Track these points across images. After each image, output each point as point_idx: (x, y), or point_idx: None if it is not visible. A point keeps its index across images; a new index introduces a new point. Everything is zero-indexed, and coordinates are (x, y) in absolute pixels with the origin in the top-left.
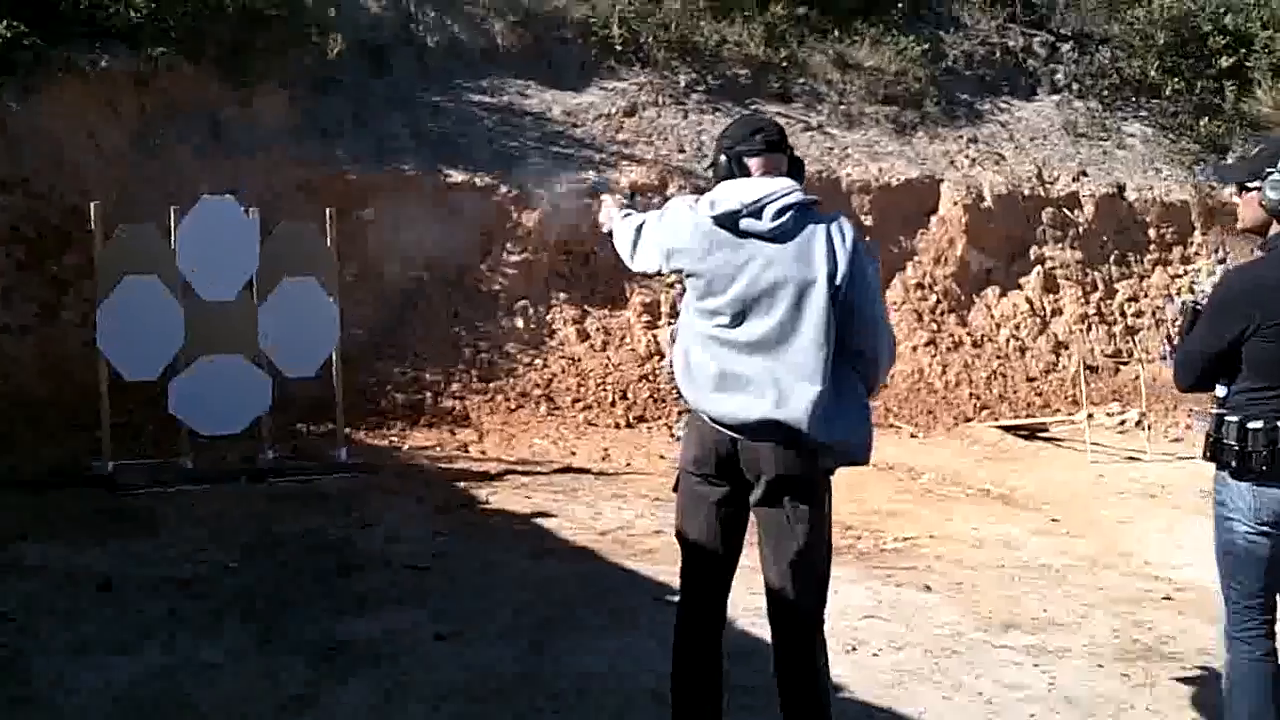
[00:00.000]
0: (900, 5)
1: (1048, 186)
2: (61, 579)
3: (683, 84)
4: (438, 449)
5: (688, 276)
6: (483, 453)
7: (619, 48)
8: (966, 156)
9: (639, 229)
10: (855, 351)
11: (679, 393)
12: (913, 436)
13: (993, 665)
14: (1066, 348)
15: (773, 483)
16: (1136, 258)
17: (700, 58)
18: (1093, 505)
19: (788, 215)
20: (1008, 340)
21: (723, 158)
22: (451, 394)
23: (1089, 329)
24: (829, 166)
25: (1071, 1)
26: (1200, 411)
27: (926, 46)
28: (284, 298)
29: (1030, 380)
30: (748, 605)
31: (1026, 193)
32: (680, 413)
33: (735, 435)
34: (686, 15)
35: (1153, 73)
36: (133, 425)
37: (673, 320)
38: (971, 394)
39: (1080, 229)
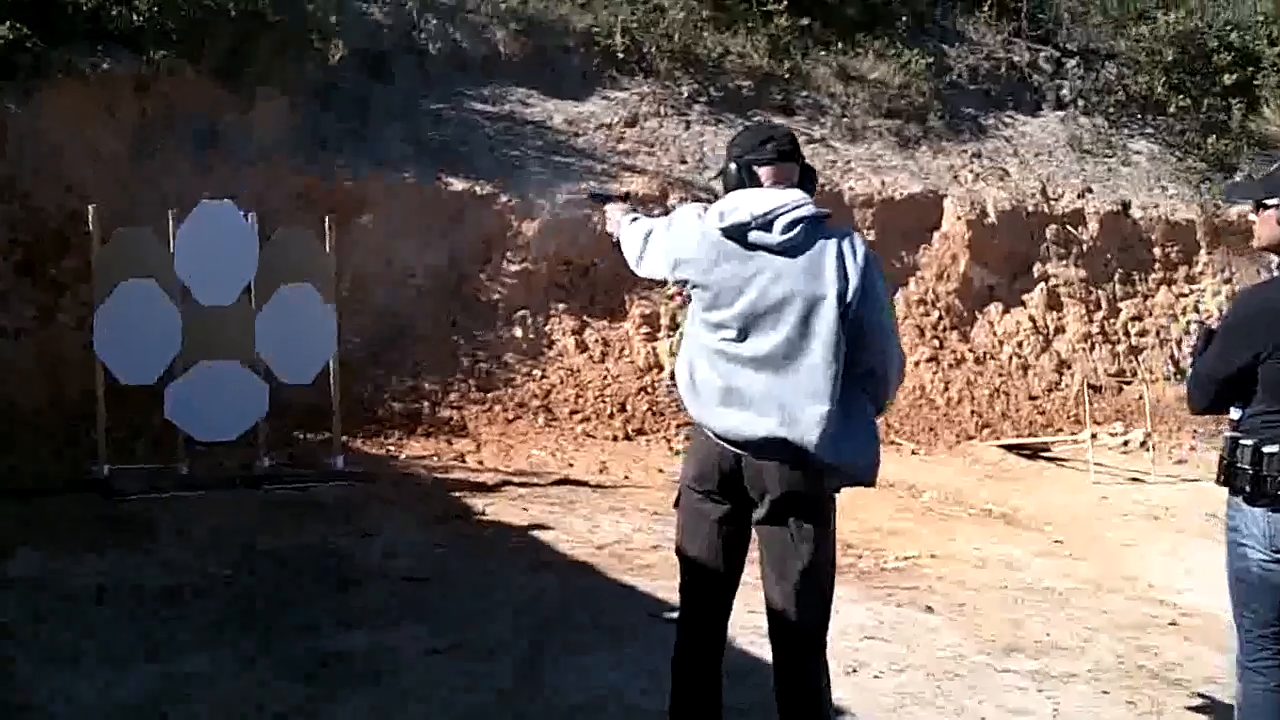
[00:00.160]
0: (904, 18)
1: (1052, 203)
2: (56, 587)
3: (685, 95)
4: (435, 458)
5: (693, 288)
6: (480, 463)
7: (621, 57)
8: (970, 171)
9: (647, 235)
10: (864, 370)
11: (679, 406)
12: (914, 453)
13: (995, 690)
14: (1069, 366)
15: (777, 501)
16: (1141, 276)
17: (703, 69)
18: (1096, 527)
19: (798, 228)
20: (1010, 358)
21: (732, 166)
22: (449, 403)
23: (1092, 348)
24: (831, 180)
25: (1078, 17)
26: (1204, 434)
27: (931, 60)
28: (282, 304)
29: (1033, 399)
30: (745, 623)
31: (1030, 209)
32: (679, 426)
33: (739, 452)
34: (690, 26)
35: (1159, 89)
36: (129, 431)
37: (672, 333)
38: (973, 411)
39: (1084, 246)
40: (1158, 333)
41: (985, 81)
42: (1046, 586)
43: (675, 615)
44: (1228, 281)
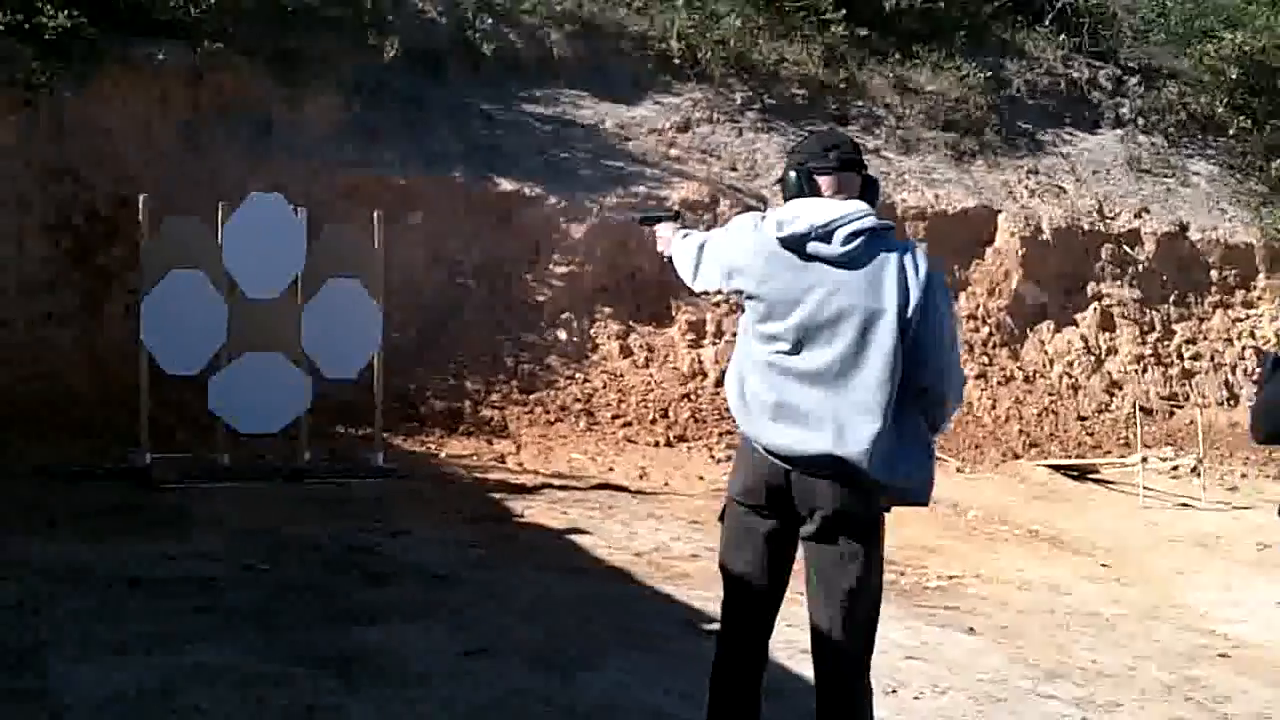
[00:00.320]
0: (963, 31)
1: (1108, 222)
2: (90, 573)
3: (738, 101)
4: (474, 458)
5: (747, 299)
6: (520, 465)
7: (676, 62)
8: (1026, 188)
9: (701, 247)
10: (921, 388)
11: (721, 414)
12: (959, 470)
13: (1038, 716)
14: (1120, 388)
15: (828, 519)
16: (1197, 299)
17: (757, 76)
18: (1144, 552)
19: (859, 241)
20: (1060, 377)
21: (792, 173)
22: (491, 404)
23: (1144, 370)
24: (884, 192)
25: (1140, 34)
26: (1254, 460)
27: (989, 74)
28: (328, 299)
29: (1082, 419)
30: (783, 638)
31: (1086, 227)
32: (721, 434)
33: (789, 467)
34: (745, 32)
35: (1221, 110)
36: (171, 420)
37: (717, 340)
38: (1021, 430)
39: (1140, 267)
40: (1212, 357)
41: (1043, 97)
42: (1093, 612)
43: (713, 628)
44: None
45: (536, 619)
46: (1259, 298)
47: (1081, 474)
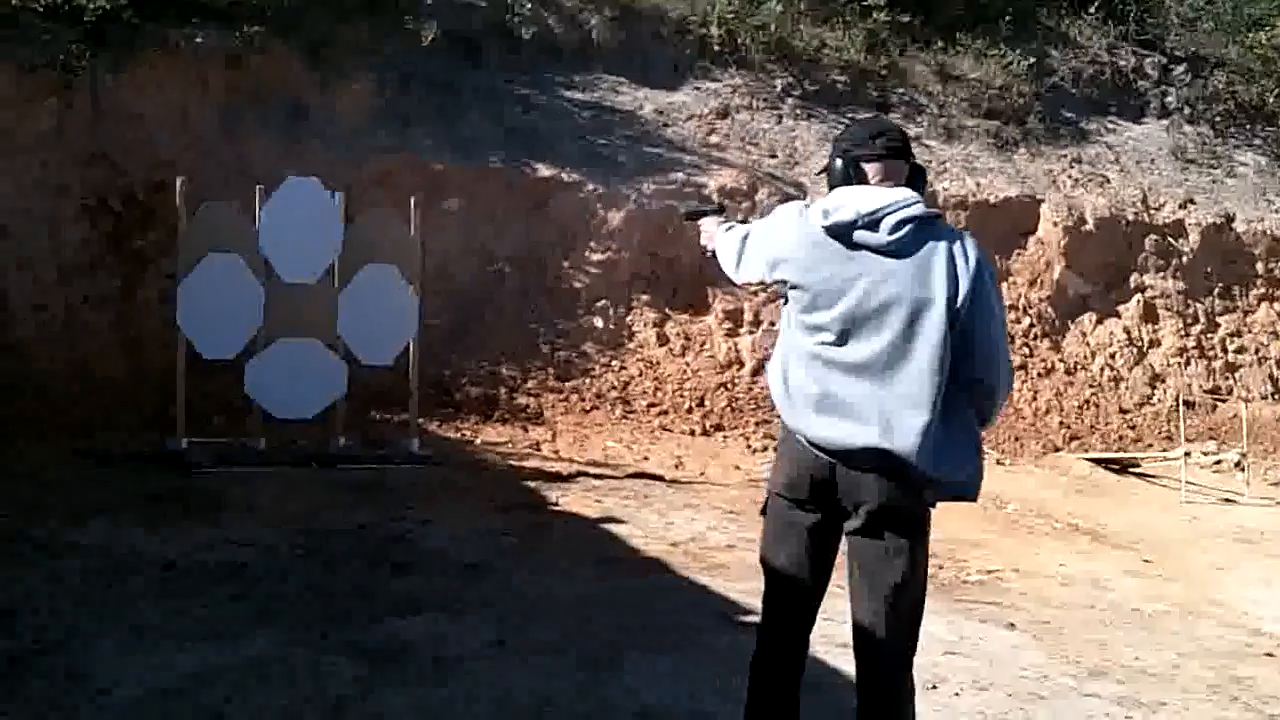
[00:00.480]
0: (1008, 18)
1: (1152, 212)
2: (124, 557)
3: (778, 88)
4: (510, 446)
5: (791, 288)
6: (555, 452)
7: (716, 48)
8: (1069, 177)
9: (744, 238)
10: (971, 380)
11: (757, 404)
12: (999, 463)
13: (1080, 714)
14: (1163, 381)
15: (874, 513)
16: (1241, 291)
17: (798, 62)
18: (1186, 548)
19: (907, 229)
20: (1102, 369)
21: (838, 161)
22: (527, 391)
23: (1187, 363)
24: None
25: (1188, 22)
26: None
27: (1033, 61)
28: (364, 284)
29: (1123, 412)
30: (822, 632)
31: (1130, 218)
32: (758, 424)
33: (834, 460)
34: (786, 18)
35: (1270, 100)
36: (207, 405)
37: (754, 329)
38: (1062, 423)
39: (1184, 258)
40: (1256, 350)
41: (1088, 85)
42: (1134, 608)
43: (750, 621)
44: None
45: (571, 610)
46: None
47: (1123, 467)
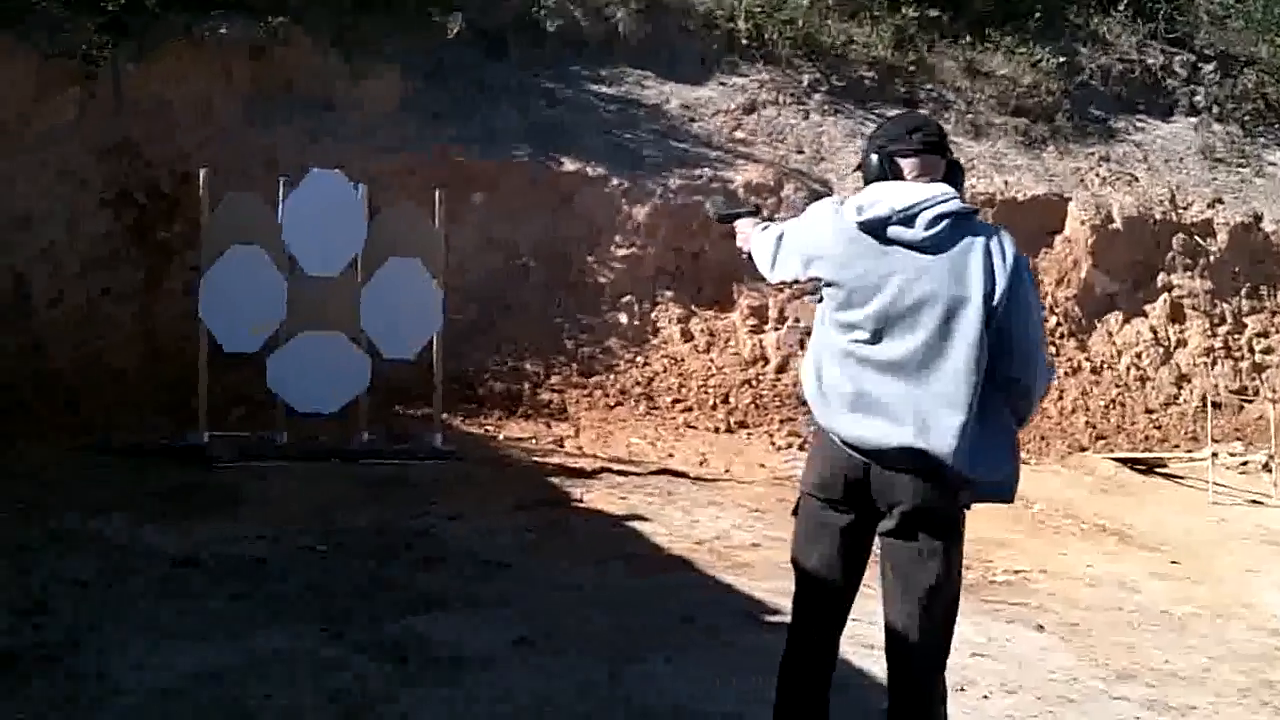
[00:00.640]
0: (1036, 15)
1: (1180, 212)
2: (144, 552)
3: (805, 83)
4: (533, 441)
5: (826, 286)
6: (579, 448)
7: (743, 42)
8: (1097, 175)
9: (779, 237)
10: (1008, 379)
11: (782, 401)
12: (1024, 463)
13: (1110, 718)
14: (1189, 381)
15: (908, 514)
16: (1269, 291)
17: (825, 57)
18: (1214, 550)
19: (943, 225)
20: (1128, 369)
21: (873, 157)
22: (550, 386)
23: (1214, 363)
24: None
25: (1217, 20)
26: None
27: (1062, 59)
28: (388, 278)
29: (1149, 412)
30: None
31: (1158, 217)
32: (782, 421)
33: (868, 461)
34: (814, 13)
35: None
36: (229, 398)
37: (779, 326)
38: (1088, 422)
39: (1212, 258)
40: None
41: (1117, 84)
42: (1163, 610)
43: (775, 620)
44: None
45: (596, 608)
46: None
47: (1149, 468)
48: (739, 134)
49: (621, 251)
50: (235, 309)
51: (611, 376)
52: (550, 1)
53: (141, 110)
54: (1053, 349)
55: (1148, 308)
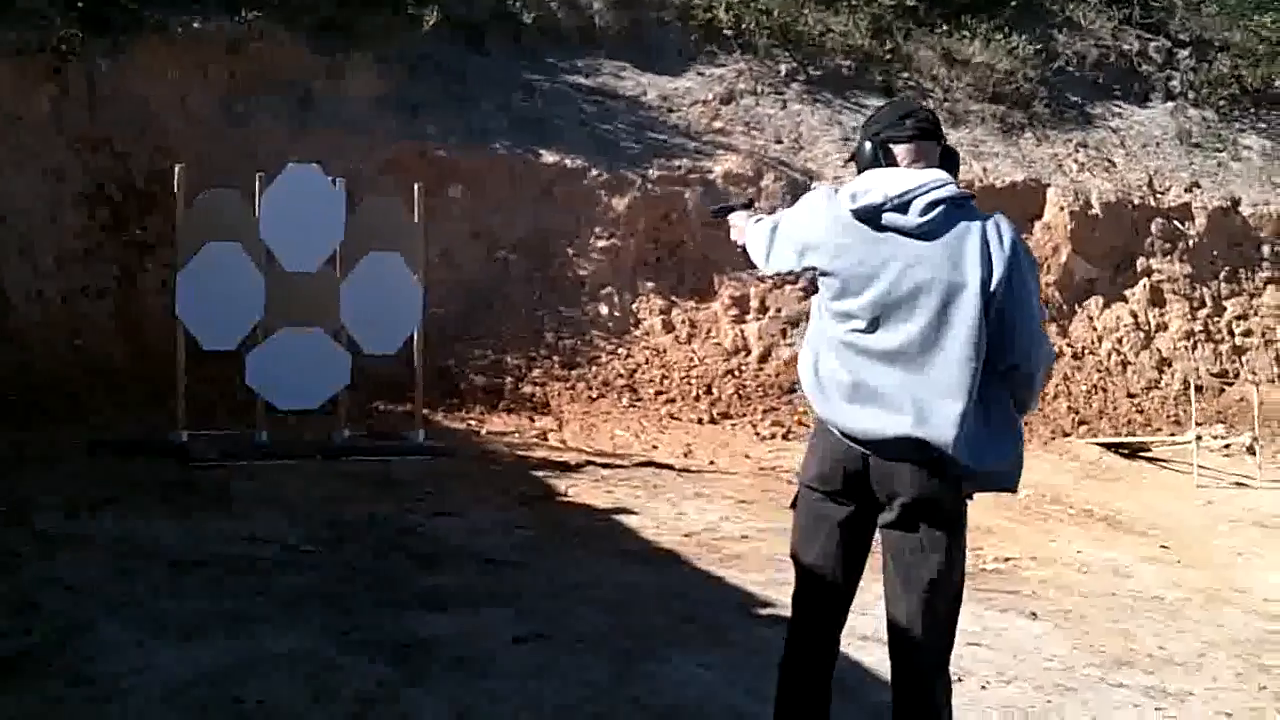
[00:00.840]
0: (1012, 3)
1: (1158, 196)
2: (135, 553)
3: (783, 73)
4: (516, 435)
5: (821, 275)
6: (562, 442)
7: (722, 33)
8: (1075, 161)
9: (773, 229)
10: (1008, 367)
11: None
12: None
13: (1109, 707)
14: (1171, 365)
15: (909, 506)
16: (1248, 275)
17: (802, 46)
18: (1202, 533)
19: (938, 210)
20: (1109, 354)
21: (867, 144)
22: (532, 380)
23: (1194, 346)
24: None
25: (1191, 5)
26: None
27: (1038, 46)
28: (368, 273)
29: (1131, 396)
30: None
31: (1136, 202)
32: (765, 411)
33: (867, 451)
34: (791, 2)
35: (1277, 83)
36: (208, 396)
37: (760, 315)
38: (1070, 408)
39: (1190, 242)
40: (1263, 333)
41: (1093, 70)
42: (1156, 596)
43: (770, 613)
44: None
45: (592, 605)
46: None
47: (1133, 452)
48: (717, 124)
49: (601, 243)
50: (213, 307)
51: (593, 369)
52: None
53: (117, 106)
54: None
55: (1128, 292)
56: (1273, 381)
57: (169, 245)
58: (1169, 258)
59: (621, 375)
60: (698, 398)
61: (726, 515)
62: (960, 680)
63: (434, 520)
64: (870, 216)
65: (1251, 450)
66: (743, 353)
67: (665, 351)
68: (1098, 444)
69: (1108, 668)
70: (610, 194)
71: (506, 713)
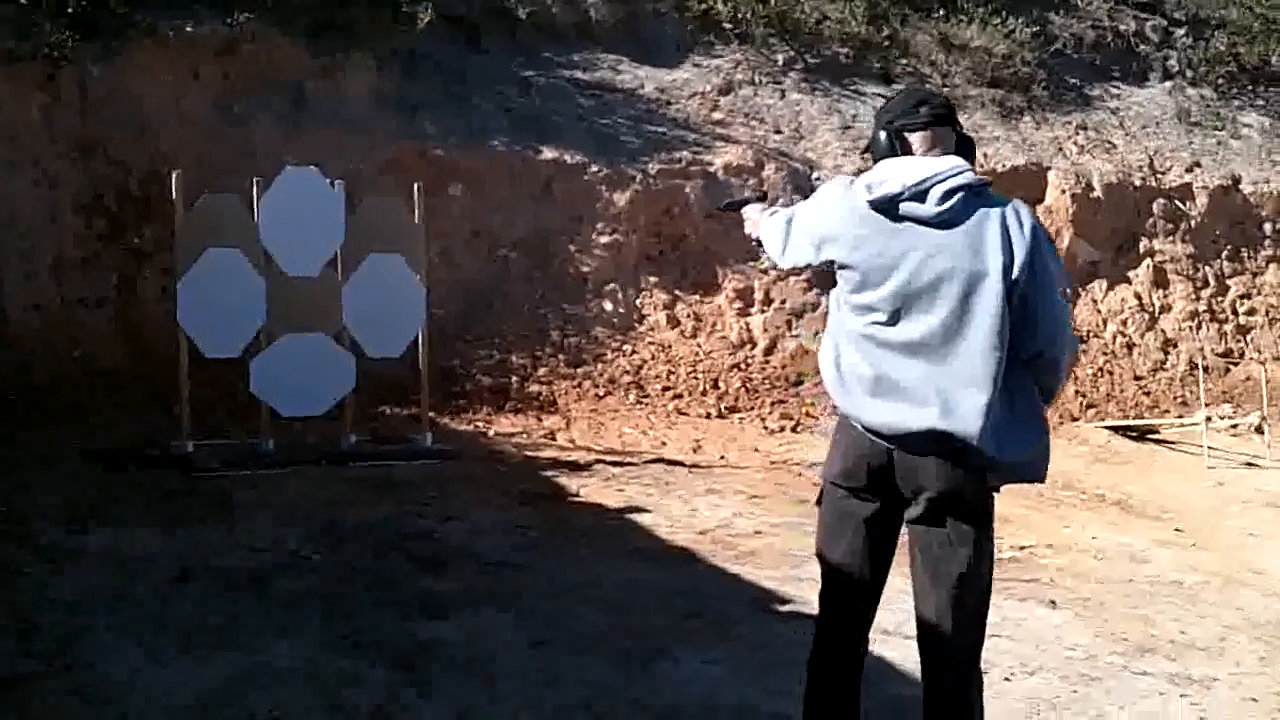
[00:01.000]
0: None
1: (1159, 177)
2: (137, 565)
3: (780, 62)
4: (524, 436)
5: (839, 269)
6: (571, 441)
7: (721, 24)
8: (1075, 144)
9: (789, 221)
10: (1032, 355)
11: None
12: None
13: (1135, 695)
14: (1176, 345)
15: (935, 500)
16: (1250, 253)
17: (799, 35)
18: (1216, 515)
19: (956, 198)
20: (1115, 336)
21: (882, 134)
22: (538, 379)
23: (1199, 326)
24: None
25: None
26: None
27: (1035, 29)
28: (370, 275)
29: (1138, 379)
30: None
31: (1137, 183)
32: (773, 404)
33: (891, 446)
34: None
35: (1273, 60)
36: (211, 403)
37: (765, 308)
38: (1077, 391)
39: (1192, 222)
40: (1267, 312)
41: (1090, 51)
42: (1173, 580)
43: (785, 609)
44: None
45: (605, 605)
46: None
47: (1141, 435)
48: (716, 115)
49: (604, 239)
50: (214, 313)
51: (599, 366)
52: None
53: (111, 112)
54: None
55: (1131, 274)
56: (1277, 359)
57: (167, 251)
58: (1171, 238)
59: (627, 372)
60: (704, 392)
61: (739, 511)
62: (985, 672)
63: (442, 525)
64: (887, 207)
65: (1260, 430)
66: (748, 345)
67: (670, 347)
68: (1106, 427)
69: (1131, 656)
70: (611, 189)
71: (516, 713)
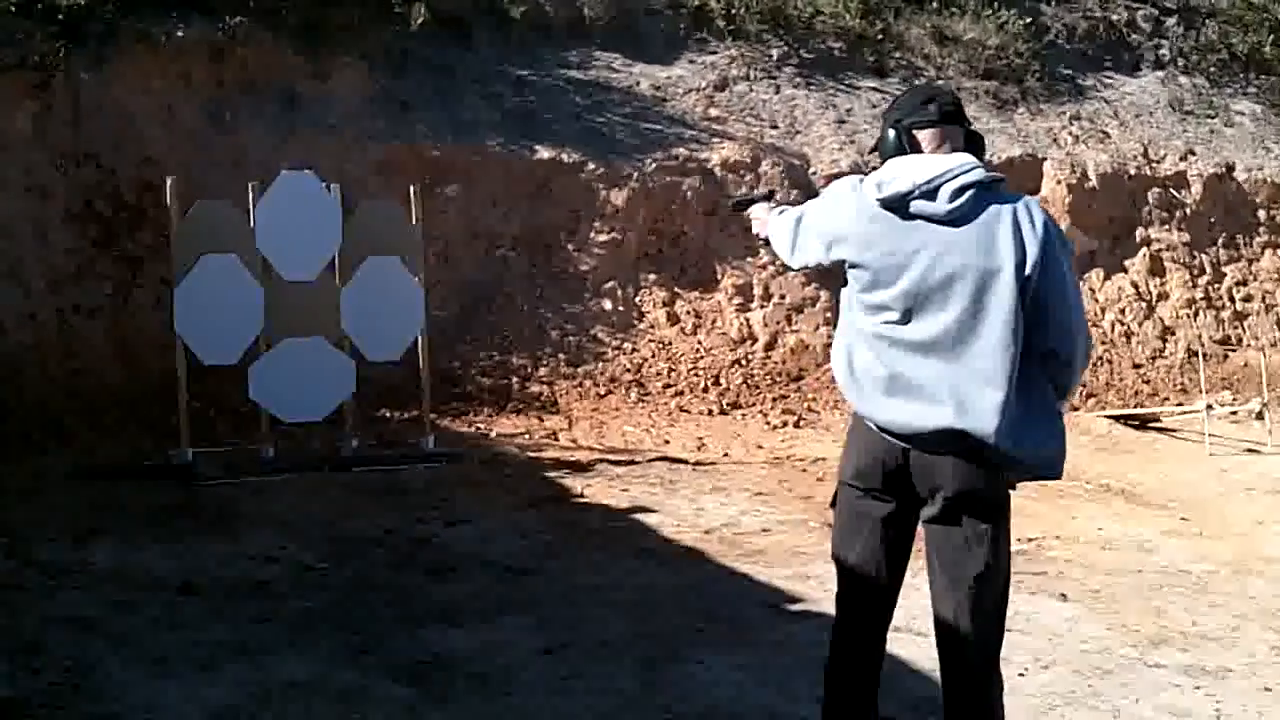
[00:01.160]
0: None
1: (1154, 166)
2: (140, 579)
3: (774, 57)
4: (526, 436)
5: (850, 268)
6: (573, 441)
7: (715, 21)
8: (1070, 134)
9: (798, 220)
10: (1046, 351)
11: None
12: None
13: (1150, 688)
14: (1174, 333)
15: (951, 500)
16: (1245, 240)
17: (793, 30)
18: (1221, 503)
19: (967, 195)
20: (1113, 325)
21: (890, 132)
22: (539, 379)
23: (1196, 314)
24: None
25: None
26: None
27: (1028, 20)
28: (368, 278)
29: (1137, 367)
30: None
31: (1132, 172)
32: (775, 400)
33: (907, 445)
34: None
35: (1267, 48)
36: (210, 411)
37: (765, 304)
38: None
39: (1187, 210)
40: (1263, 298)
41: (1083, 41)
42: (1183, 570)
43: (797, 609)
44: None
45: (617, 609)
46: None
47: (1142, 423)
48: (712, 111)
49: (602, 237)
50: (212, 321)
51: (600, 365)
52: None
53: (101, 119)
54: None
55: (1128, 263)
56: (1275, 345)
57: (161, 259)
58: (1167, 226)
59: (628, 370)
60: (706, 389)
61: (745, 509)
62: None
63: (449, 530)
64: (898, 205)
65: (1260, 416)
66: (749, 341)
67: (671, 344)
68: (1107, 417)
69: (1144, 648)
70: (608, 187)
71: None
